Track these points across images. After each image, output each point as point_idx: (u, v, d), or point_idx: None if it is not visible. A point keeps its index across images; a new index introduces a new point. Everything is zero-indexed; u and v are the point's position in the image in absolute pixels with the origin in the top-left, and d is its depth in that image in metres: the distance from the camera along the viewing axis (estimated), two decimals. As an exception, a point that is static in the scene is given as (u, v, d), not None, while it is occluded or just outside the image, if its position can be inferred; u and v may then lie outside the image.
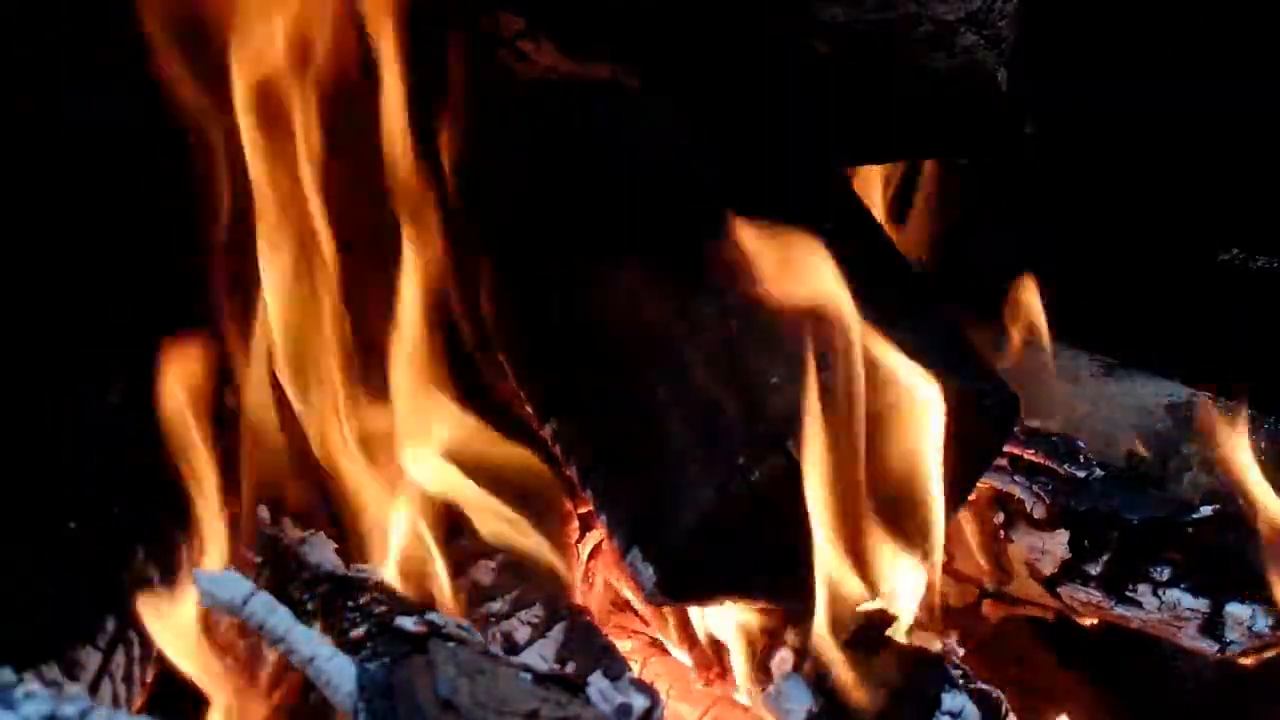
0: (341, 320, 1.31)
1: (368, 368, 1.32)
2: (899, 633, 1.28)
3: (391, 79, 1.26)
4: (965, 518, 1.50)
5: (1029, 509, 1.46)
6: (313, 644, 0.98)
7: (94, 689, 1.05)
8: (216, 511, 1.21)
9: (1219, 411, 1.49)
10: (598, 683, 0.99)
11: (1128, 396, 1.60)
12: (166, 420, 1.19)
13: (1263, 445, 1.55)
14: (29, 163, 1.23)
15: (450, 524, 1.32)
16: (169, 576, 1.20)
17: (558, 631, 1.26)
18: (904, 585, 1.27)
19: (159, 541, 1.21)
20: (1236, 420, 1.43)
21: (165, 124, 1.22)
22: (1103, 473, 1.48)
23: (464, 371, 1.38)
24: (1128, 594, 1.40)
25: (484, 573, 1.32)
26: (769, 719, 1.27)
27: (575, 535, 1.48)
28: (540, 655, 1.24)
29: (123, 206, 1.29)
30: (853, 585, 1.21)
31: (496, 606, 1.29)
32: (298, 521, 1.30)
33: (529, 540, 1.31)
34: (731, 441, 1.20)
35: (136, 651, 1.12)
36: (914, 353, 1.26)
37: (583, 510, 1.47)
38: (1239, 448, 1.40)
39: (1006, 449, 1.44)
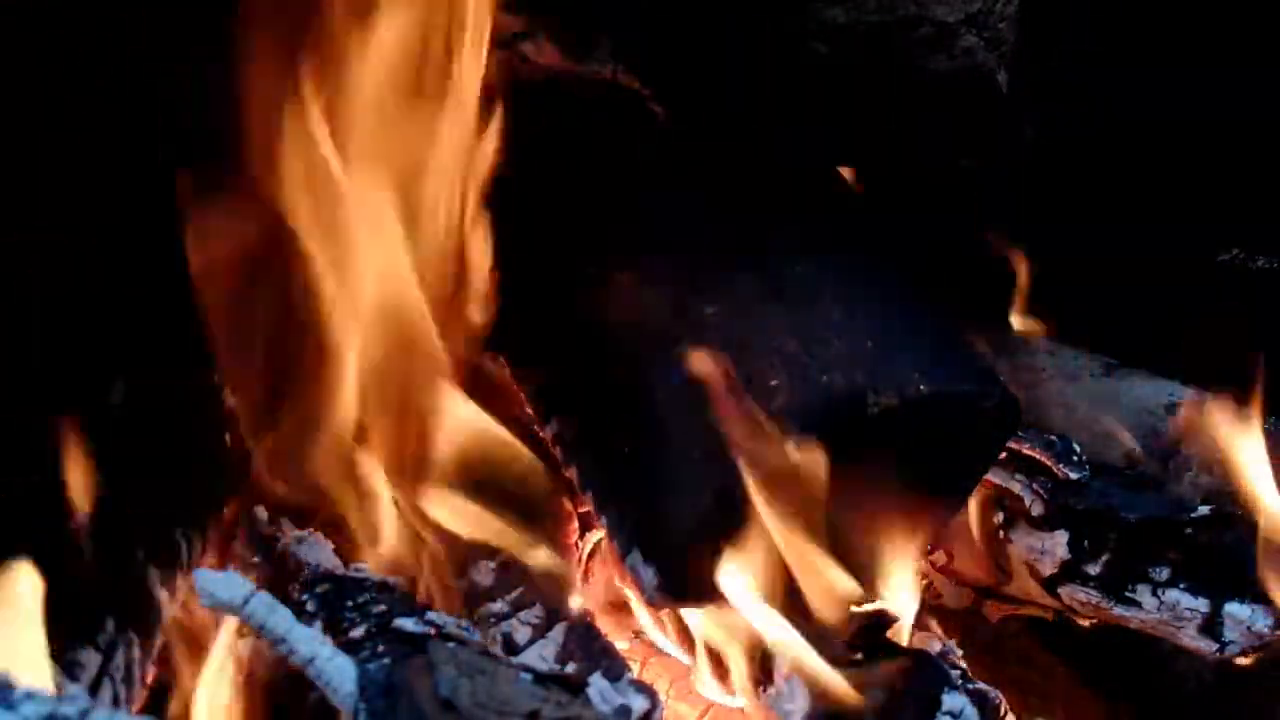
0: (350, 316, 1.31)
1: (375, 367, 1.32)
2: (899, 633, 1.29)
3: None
4: (965, 518, 1.50)
5: (1028, 506, 1.46)
6: (313, 644, 0.98)
7: (94, 689, 1.05)
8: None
9: (1225, 410, 1.48)
10: (598, 683, 0.99)
11: (1128, 396, 1.59)
12: None
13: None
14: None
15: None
16: (169, 576, 1.20)
17: (558, 632, 1.26)
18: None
19: (159, 541, 1.21)
20: (1245, 419, 1.43)
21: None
22: (1100, 475, 1.48)
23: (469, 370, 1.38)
24: (1127, 594, 1.40)
25: (484, 573, 1.32)
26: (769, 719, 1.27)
27: (575, 535, 1.48)
28: (540, 656, 1.24)
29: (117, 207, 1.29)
30: (849, 587, 1.21)
31: (496, 607, 1.29)
32: (296, 521, 1.31)
33: (529, 541, 1.31)
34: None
35: (136, 652, 1.12)
36: (914, 354, 1.27)
37: (583, 510, 1.47)
38: (1245, 448, 1.40)
39: (1007, 445, 1.44)
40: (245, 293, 1.26)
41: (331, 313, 1.26)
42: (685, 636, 1.43)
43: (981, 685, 1.23)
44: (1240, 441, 1.40)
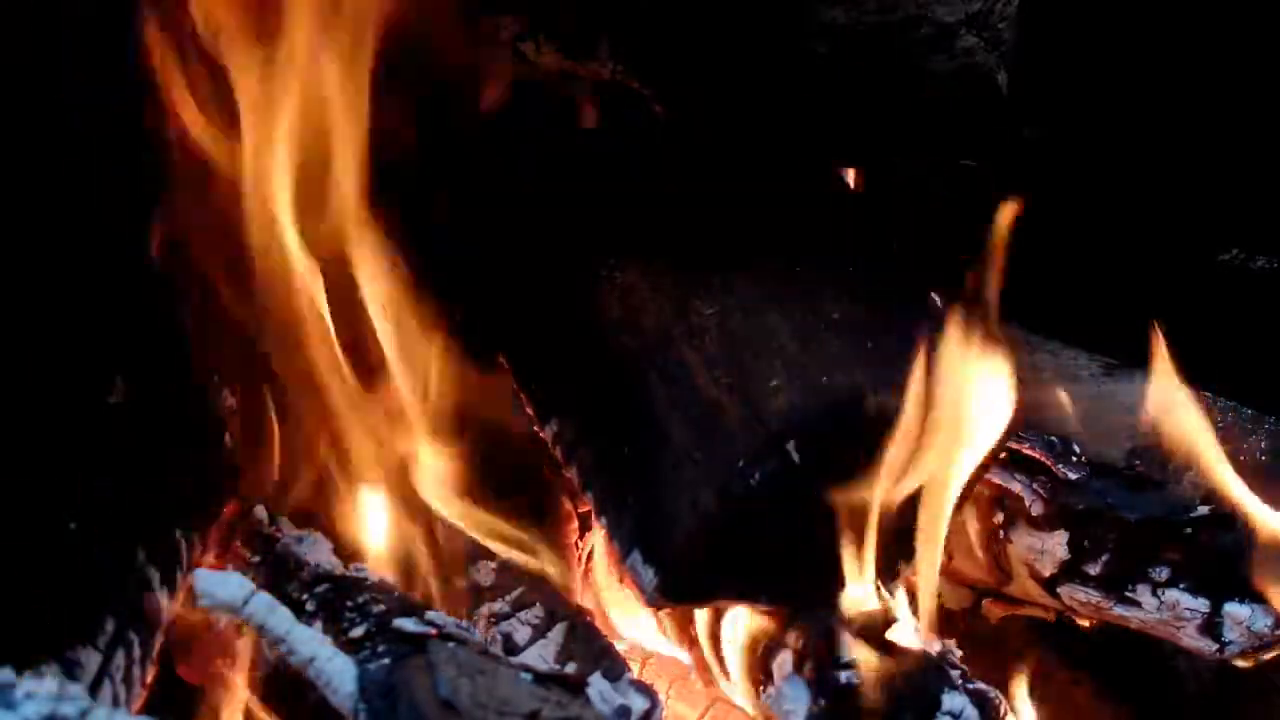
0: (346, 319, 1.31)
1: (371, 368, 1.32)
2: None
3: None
4: (965, 518, 1.50)
5: (1028, 506, 1.46)
6: (313, 644, 0.98)
7: (94, 689, 1.05)
8: None
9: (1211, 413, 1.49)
10: (598, 683, 0.99)
11: (1128, 396, 1.59)
12: None
13: (1263, 445, 1.55)
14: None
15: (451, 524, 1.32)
16: (169, 576, 1.20)
17: (558, 632, 1.26)
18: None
19: (159, 541, 1.21)
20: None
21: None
22: (1100, 475, 1.48)
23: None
24: (1127, 594, 1.40)
25: (484, 573, 1.32)
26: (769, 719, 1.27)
27: (575, 535, 1.48)
28: (540, 656, 1.24)
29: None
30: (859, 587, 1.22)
31: (496, 607, 1.29)
32: (296, 521, 1.31)
33: (530, 542, 1.32)
34: (731, 444, 1.20)
35: (136, 651, 1.12)
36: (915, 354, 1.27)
37: (583, 510, 1.47)
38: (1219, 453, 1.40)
39: (1007, 445, 1.44)
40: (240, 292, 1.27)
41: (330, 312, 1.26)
42: (684, 636, 1.43)
43: (981, 685, 1.23)
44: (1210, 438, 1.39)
